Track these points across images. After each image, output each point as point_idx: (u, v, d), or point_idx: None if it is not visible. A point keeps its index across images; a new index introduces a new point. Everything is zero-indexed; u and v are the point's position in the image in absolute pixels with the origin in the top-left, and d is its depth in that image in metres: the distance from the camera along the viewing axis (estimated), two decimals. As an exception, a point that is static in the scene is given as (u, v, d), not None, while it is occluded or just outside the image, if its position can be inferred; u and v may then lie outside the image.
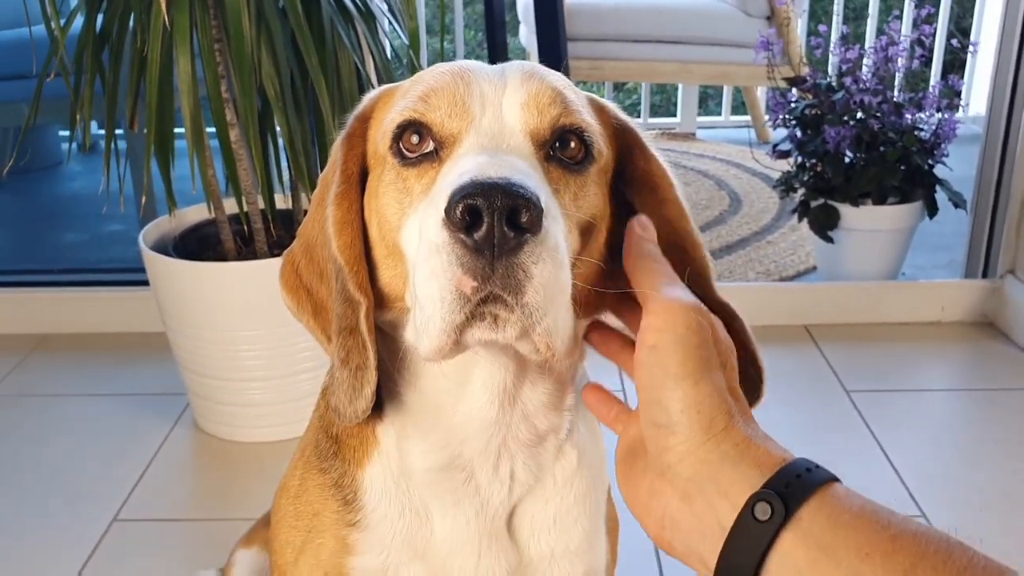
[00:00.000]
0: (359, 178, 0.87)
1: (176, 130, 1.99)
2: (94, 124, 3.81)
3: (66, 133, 4.46)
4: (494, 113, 0.80)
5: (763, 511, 0.67)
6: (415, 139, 0.80)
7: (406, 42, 1.94)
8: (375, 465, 0.92)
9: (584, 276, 0.79)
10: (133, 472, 2.09)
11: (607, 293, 0.83)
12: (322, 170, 0.92)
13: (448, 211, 0.68)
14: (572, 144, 0.81)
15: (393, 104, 0.85)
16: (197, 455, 2.19)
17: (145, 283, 2.67)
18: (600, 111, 0.88)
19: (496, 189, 0.67)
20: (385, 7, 2.00)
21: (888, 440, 2.17)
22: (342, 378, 0.85)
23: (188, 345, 2.15)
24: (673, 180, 0.88)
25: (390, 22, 1.98)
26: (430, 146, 0.80)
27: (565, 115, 0.81)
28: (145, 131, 1.85)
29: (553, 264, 0.71)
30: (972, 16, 4.94)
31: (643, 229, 0.83)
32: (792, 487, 0.68)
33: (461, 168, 0.73)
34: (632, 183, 0.89)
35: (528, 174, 0.73)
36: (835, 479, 0.70)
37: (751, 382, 0.86)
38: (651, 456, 0.76)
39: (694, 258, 0.86)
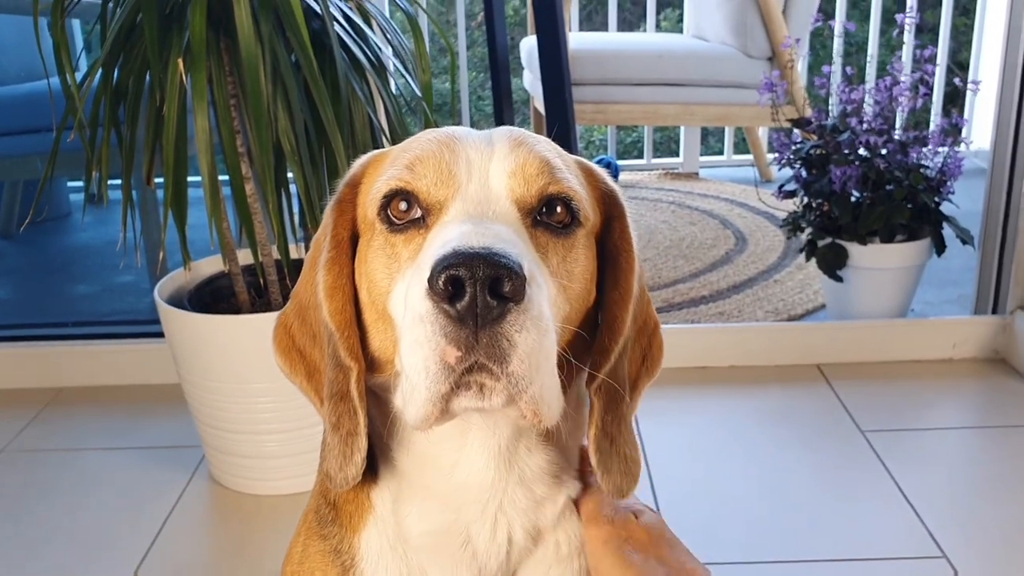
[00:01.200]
0: (350, 243, 0.88)
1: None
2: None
3: (74, 184, 4.51)
4: (480, 180, 0.81)
5: None
6: (403, 206, 0.82)
7: (419, 94, 1.96)
8: (370, 530, 0.91)
9: (566, 343, 0.81)
10: (152, 527, 2.09)
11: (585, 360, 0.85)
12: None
13: (431, 281, 0.69)
14: (559, 209, 0.83)
15: (382, 170, 0.86)
16: (214, 509, 2.18)
17: (158, 335, 2.69)
18: (588, 175, 0.90)
19: (478, 259, 0.68)
20: (397, 60, 2.03)
21: (905, 480, 2.17)
22: (333, 443, 0.85)
23: (203, 398, 2.15)
24: (636, 266, 0.89)
25: (403, 75, 2.01)
26: (417, 213, 0.81)
27: (552, 184, 0.82)
28: (157, 184, 1.87)
29: (537, 332, 0.71)
30: (968, 50, 4.99)
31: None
32: None
33: (445, 237, 0.74)
34: (607, 251, 0.89)
35: (512, 242, 0.74)
36: None
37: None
38: None
39: (609, 345, 0.86)
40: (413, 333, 0.72)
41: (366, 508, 0.92)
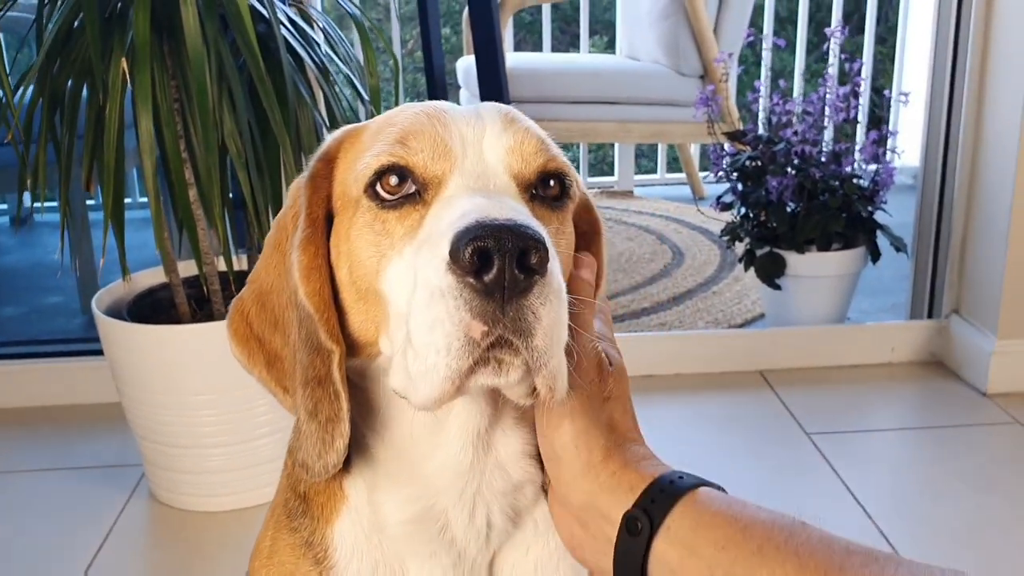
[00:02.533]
0: (324, 221, 0.84)
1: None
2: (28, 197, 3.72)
3: (-2, 207, 4.38)
4: (475, 154, 0.79)
5: (634, 526, 0.78)
6: (394, 181, 0.79)
7: (367, 98, 1.94)
8: (344, 521, 0.89)
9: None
10: (88, 550, 2.00)
11: None
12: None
13: (455, 254, 0.67)
14: (552, 184, 0.82)
15: (363, 145, 0.83)
16: (155, 527, 2.11)
17: (90, 353, 2.62)
18: None
19: (505, 230, 0.66)
20: (343, 64, 2.01)
21: (853, 480, 2.20)
22: (310, 431, 0.81)
23: (143, 412, 2.09)
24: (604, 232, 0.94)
25: (349, 79, 1.99)
26: (411, 188, 0.79)
27: (550, 161, 0.82)
28: (90, 205, 1.81)
29: (558, 304, 0.70)
30: (884, 77, 5.16)
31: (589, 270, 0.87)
32: (657, 500, 0.78)
33: (459, 210, 0.72)
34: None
35: (527, 214, 0.73)
36: (703, 484, 0.80)
37: None
38: (552, 488, 0.85)
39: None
40: (431, 311, 0.69)
41: (339, 499, 0.89)
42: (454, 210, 0.72)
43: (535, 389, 0.72)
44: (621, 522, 0.78)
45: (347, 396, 0.80)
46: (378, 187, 0.79)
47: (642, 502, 0.78)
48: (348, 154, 0.85)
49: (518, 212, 0.71)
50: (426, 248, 0.72)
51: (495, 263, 0.66)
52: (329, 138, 0.88)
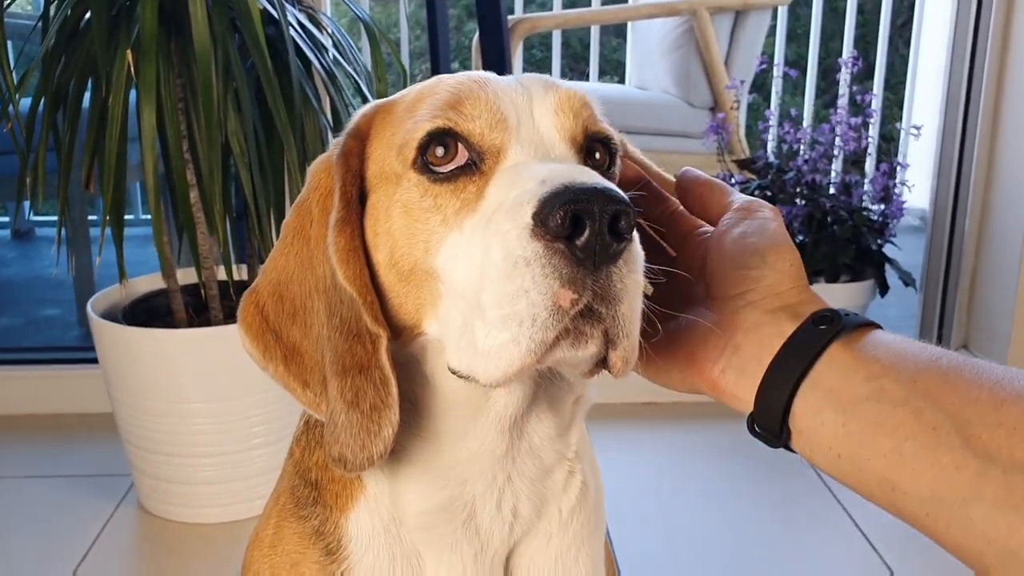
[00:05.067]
0: (358, 200, 0.80)
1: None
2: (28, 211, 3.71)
3: None
4: (529, 123, 0.76)
5: (822, 322, 0.72)
6: (440, 152, 0.74)
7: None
8: (361, 510, 0.84)
9: None
10: (73, 557, 1.95)
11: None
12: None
13: (544, 219, 0.63)
14: (598, 155, 0.79)
15: (397, 119, 0.79)
16: (142, 538, 2.06)
17: (83, 361, 2.58)
18: None
19: (597, 194, 0.63)
20: (351, 68, 1.99)
21: (857, 509, 2.15)
22: (350, 422, 0.75)
23: (135, 419, 2.04)
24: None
25: (356, 83, 1.96)
26: (464, 158, 0.74)
27: (592, 121, 0.79)
28: (91, 221, 1.79)
29: (640, 272, 0.68)
30: (887, 124, 5.15)
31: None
32: (852, 317, 0.72)
33: (536, 176, 0.68)
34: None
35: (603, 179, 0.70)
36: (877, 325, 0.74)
37: None
38: (728, 296, 0.77)
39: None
40: (512, 282, 0.65)
41: (356, 487, 0.84)
42: (528, 177, 0.69)
43: (596, 365, 0.69)
44: (808, 316, 0.73)
45: (396, 382, 0.76)
46: (427, 158, 0.75)
47: (838, 311, 0.73)
48: (383, 129, 0.80)
49: (596, 177, 0.67)
50: (502, 217, 0.67)
51: (586, 227, 0.63)
52: (357, 114, 0.83)
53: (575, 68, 6.72)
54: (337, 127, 1.90)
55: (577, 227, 0.63)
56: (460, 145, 0.74)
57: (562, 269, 0.64)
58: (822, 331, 0.71)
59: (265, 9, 1.79)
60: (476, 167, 0.74)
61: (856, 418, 0.68)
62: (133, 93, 1.80)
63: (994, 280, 2.62)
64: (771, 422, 0.73)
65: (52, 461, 2.35)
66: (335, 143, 0.82)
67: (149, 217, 3.97)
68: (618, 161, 0.81)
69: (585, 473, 0.89)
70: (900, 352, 0.69)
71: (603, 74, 6.48)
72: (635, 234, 0.67)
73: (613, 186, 0.65)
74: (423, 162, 0.75)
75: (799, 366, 0.71)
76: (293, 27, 1.83)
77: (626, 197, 0.65)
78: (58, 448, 2.42)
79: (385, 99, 0.84)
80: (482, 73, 0.79)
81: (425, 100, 0.77)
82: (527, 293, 0.64)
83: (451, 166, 0.74)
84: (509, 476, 0.82)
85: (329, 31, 2.01)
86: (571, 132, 0.77)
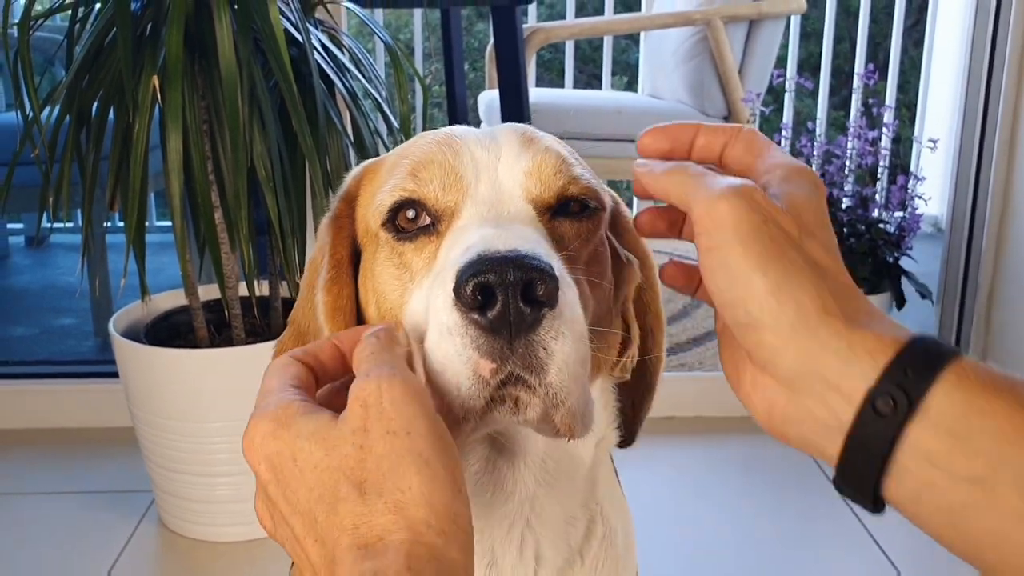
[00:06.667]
0: (350, 261, 0.84)
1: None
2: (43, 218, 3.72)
3: (14, 226, 4.37)
4: (490, 179, 0.76)
5: (885, 404, 0.60)
6: (411, 214, 0.77)
7: (397, 125, 1.92)
8: None
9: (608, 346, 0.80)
10: (97, 574, 1.96)
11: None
12: (308, 253, 0.88)
13: (458, 291, 0.64)
14: (572, 204, 0.78)
15: (380, 180, 0.81)
16: (163, 556, 2.07)
17: (103, 375, 2.58)
18: None
19: (507, 263, 0.63)
20: (374, 90, 1.99)
21: (876, 526, 2.14)
22: None
23: (156, 437, 2.05)
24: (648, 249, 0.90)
25: (379, 105, 1.97)
26: (427, 220, 0.77)
27: (572, 184, 0.77)
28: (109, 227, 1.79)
29: (573, 338, 0.66)
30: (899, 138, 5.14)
31: (644, 165, 0.74)
32: (913, 374, 0.60)
33: (465, 242, 0.69)
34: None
35: (537, 241, 0.70)
36: (958, 353, 0.61)
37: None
38: (747, 351, 0.67)
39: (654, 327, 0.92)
40: (441, 348, 0.66)
41: None
42: (461, 242, 0.70)
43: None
44: (864, 400, 0.61)
45: None
46: (396, 220, 0.77)
47: (893, 375, 0.60)
48: (367, 190, 0.83)
49: (525, 240, 0.68)
50: (437, 283, 0.70)
51: (498, 298, 0.63)
52: (348, 176, 0.88)
53: (584, 71, 6.71)
54: (359, 147, 1.90)
55: (489, 298, 0.63)
56: (421, 208, 0.77)
57: (479, 340, 0.64)
58: (887, 421, 0.61)
59: (287, 31, 1.79)
60: (434, 227, 0.76)
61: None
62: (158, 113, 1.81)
63: (1013, 291, 2.62)
64: None
65: (73, 477, 2.36)
66: (331, 205, 0.87)
67: (165, 224, 3.98)
68: (598, 212, 0.79)
69: (610, 519, 0.89)
70: (989, 411, 0.59)
71: (613, 75, 6.48)
72: (565, 297, 0.66)
73: (532, 251, 0.65)
74: (391, 225, 0.78)
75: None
76: (316, 49, 1.84)
77: (545, 262, 0.64)
78: (79, 463, 2.42)
79: (372, 160, 0.88)
80: (455, 130, 0.81)
81: (398, 166, 0.80)
82: (452, 361, 0.66)
83: (415, 227, 0.77)
84: (528, 521, 0.82)
85: (350, 52, 2.01)
86: (538, 193, 0.77)
